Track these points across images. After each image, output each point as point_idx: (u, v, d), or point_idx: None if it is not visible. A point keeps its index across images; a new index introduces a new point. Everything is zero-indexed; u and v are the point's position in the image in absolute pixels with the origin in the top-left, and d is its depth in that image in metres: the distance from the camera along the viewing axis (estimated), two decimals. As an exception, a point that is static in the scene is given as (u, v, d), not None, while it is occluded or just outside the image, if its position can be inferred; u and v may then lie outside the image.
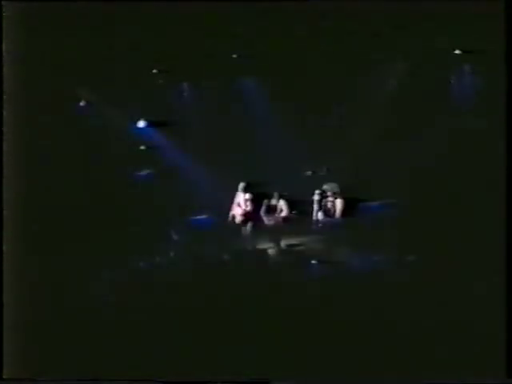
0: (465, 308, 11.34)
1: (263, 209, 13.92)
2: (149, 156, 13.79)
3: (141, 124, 13.88)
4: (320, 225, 13.64)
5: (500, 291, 11.23)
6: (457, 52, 13.01)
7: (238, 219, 13.86)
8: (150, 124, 13.87)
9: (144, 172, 13.77)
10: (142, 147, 13.89)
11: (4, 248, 11.71)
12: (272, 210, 13.90)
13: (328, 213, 13.75)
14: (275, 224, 13.70)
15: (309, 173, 13.86)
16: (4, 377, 11.28)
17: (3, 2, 11.68)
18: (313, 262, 13.01)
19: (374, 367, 11.03)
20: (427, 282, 11.89)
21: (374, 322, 11.39)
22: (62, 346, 11.35)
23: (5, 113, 12.08)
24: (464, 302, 11.42)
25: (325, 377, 11.02)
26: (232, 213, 13.92)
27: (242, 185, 13.95)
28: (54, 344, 11.37)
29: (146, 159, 13.77)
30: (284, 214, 13.89)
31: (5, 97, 11.94)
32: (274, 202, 13.93)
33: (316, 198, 13.86)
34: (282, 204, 13.88)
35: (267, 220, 13.89)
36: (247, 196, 13.93)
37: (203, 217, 13.66)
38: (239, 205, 13.93)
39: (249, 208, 13.85)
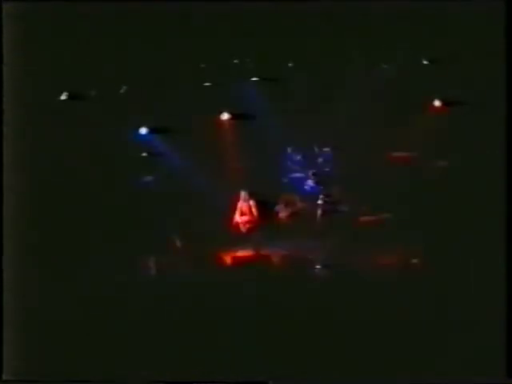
0: (465, 308, 11.32)
1: (281, 205, 13.94)
2: (150, 163, 13.90)
3: (143, 131, 13.84)
4: (323, 228, 13.73)
5: (500, 291, 11.17)
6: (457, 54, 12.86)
7: (243, 227, 13.89)
8: (151, 130, 13.84)
9: (146, 179, 13.82)
10: (144, 154, 13.97)
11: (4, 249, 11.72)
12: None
13: (327, 213, 13.84)
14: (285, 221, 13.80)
15: (310, 182, 14.08)
16: (4, 378, 11.26)
17: (3, 2, 11.55)
18: (317, 267, 13.06)
19: (374, 367, 11.00)
20: (427, 282, 11.89)
21: (374, 322, 11.34)
22: (62, 347, 11.36)
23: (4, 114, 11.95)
24: (464, 301, 11.39)
25: (324, 377, 11.05)
26: (235, 220, 13.93)
27: (243, 193, 13.94)
28: (53, 345, 11.37)
29: (147, 166, 13.87)
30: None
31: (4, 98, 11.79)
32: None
33: (320, 202, 13.91)
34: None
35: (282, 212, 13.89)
36: (251, 203, 13.93)
37: (206, 223, 13.72)
38: (242, 213, 13.88)
39: (255, 214, 13.85)
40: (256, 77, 13.59)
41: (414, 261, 12.50)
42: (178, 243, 13.53)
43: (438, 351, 10.93)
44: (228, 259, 13.37)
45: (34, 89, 12.17)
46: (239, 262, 13.30)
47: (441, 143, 13.01)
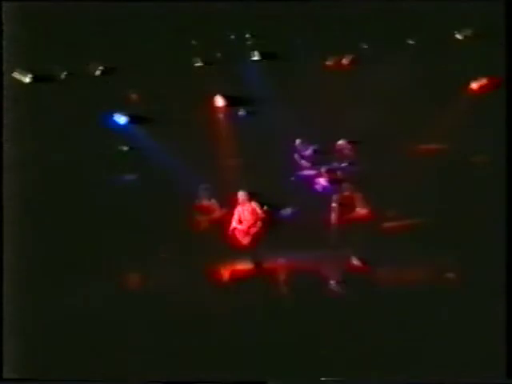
0: (465, 308, 11.71)
1: None
2: (132, 158, 13.25)
3: (122, 120, 13.15)
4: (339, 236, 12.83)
5: (500, 291, 11.60)
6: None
7: (242, 235, 12.80)
8: (133, 121, 13.18)
9: (127, 177, 13.12)
10: (125, 148, 13.26)
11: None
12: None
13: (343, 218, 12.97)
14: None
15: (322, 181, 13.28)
16: (4, 377, 11.62)
17: (3, 2, 12.17)
18: (331, 283, 12.30)
19: (373, 366, 11.25)
20: (427, 282, 12.25)
21: (373, 321, 11.66)
22: (62, 346, 11.65)
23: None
24: (464, 301, 11.78)
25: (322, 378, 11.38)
26: (232, 227, 12.86)
27: (242, 194, 12.86)
28: (53, 345, 11.68)
29: (128, 162, 13.22)
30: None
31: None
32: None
33: (334, 205, 12.94)
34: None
35: None
36: (252, 206, 12.84)
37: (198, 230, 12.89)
38: (241, 220, 12.82)
39: (256, 219, 12.80)
40: (257, 53, 13.04)
41: (450, 275, 12.35)
42: (165, 254, 12.63)
43: (439, 351, 11.35)
44: (225, 274, 12.52)
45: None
46: (238, 277, 12.45)
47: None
